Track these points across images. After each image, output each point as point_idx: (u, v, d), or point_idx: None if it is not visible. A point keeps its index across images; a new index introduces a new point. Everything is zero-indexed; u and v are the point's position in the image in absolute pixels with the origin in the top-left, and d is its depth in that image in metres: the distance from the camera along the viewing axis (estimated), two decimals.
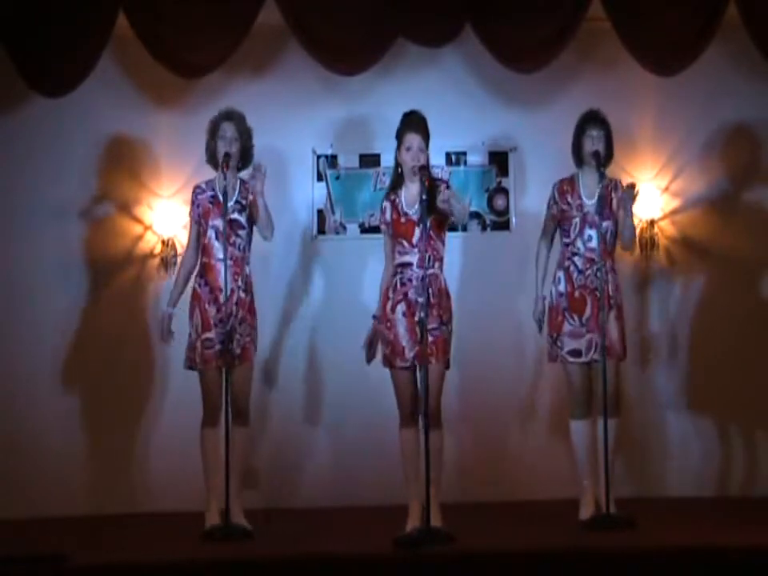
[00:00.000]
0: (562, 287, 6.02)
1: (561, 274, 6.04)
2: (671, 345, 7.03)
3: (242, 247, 6.06)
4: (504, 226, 7.15)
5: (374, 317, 5.92)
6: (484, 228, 7.13)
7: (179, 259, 6.84)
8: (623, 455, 6.53)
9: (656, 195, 7.06)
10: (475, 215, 7.10)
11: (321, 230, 7.16)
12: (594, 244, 5.95)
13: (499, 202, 7.16)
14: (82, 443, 6.93)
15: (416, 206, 5.80)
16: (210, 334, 5.97)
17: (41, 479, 6.78)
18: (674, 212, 7.08)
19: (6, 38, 6.25)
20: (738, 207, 7.06)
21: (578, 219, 6.02)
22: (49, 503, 6.73)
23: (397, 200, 5.88)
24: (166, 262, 6.99)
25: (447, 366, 5.83)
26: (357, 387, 6.93)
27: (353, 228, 7.15)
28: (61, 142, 6.98)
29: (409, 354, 5.74)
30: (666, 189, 7.09)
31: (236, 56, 6.46)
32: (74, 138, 6.99)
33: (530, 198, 7.06)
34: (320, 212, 7.17)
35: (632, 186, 5.92)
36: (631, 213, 5.99)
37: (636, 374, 6.91)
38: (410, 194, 5.86)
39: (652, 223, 7.04)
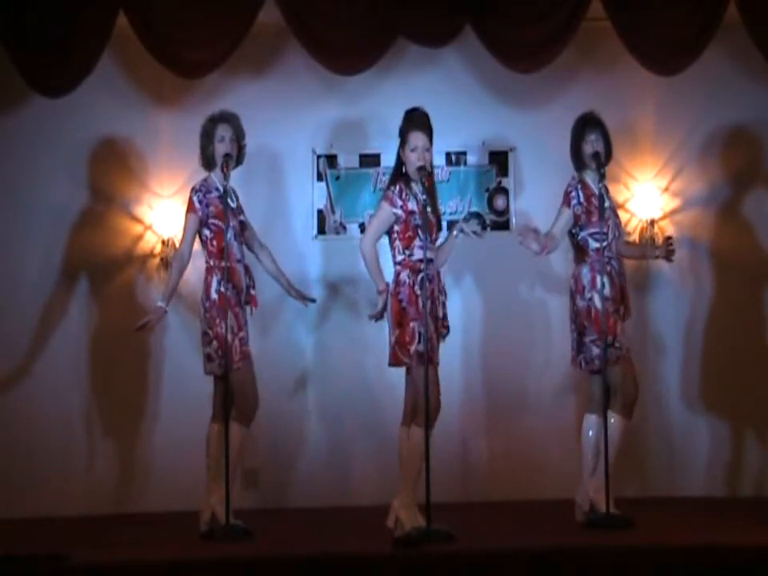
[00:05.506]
0: (607, 291, 5.89)
1: (603, 278, 5.87)
2: (673, 344, 7.03)
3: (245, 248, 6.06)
4: (504, 225, 7.15)
5: (380, 292, 5.71)
6: (484, 228, 7.12)
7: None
8: (633, 455, 6.56)
9: (656, 195, 7.07)
10: (475, 215, 7.11)
11: (321, 230, 7.16)
12: (615, 244, 6.01)
13: (499, 202, 7.16)
14: (82, 443, 6.93)
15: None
16: (243, 333, 5.89)
17: (41, 479, 6.78)
18: (673, 212, 7.09)
19: (6, 38, 6.26)
20: (737, 207, 7.06)
21: (611, 222, 5.97)
22: (49, 503, 6.74)
23: (417, 194, 5.75)
24: (166, 262, 6.97)
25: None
26: (356, 387, 6.95)
27: (353, 228, 7.14)
28: (61, 142, 6.98)
29: (438, 352, 5.72)
30: (666, 189, 7.09)
31: (236, 56, 6.46)
32: (74, 138, 6.99)
33: (530, 198, 7.08)
34: (320, 212, 7.17)
35: None
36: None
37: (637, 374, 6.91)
38: (419, 192, 5.78)
39: (652, 223, 7.04)
